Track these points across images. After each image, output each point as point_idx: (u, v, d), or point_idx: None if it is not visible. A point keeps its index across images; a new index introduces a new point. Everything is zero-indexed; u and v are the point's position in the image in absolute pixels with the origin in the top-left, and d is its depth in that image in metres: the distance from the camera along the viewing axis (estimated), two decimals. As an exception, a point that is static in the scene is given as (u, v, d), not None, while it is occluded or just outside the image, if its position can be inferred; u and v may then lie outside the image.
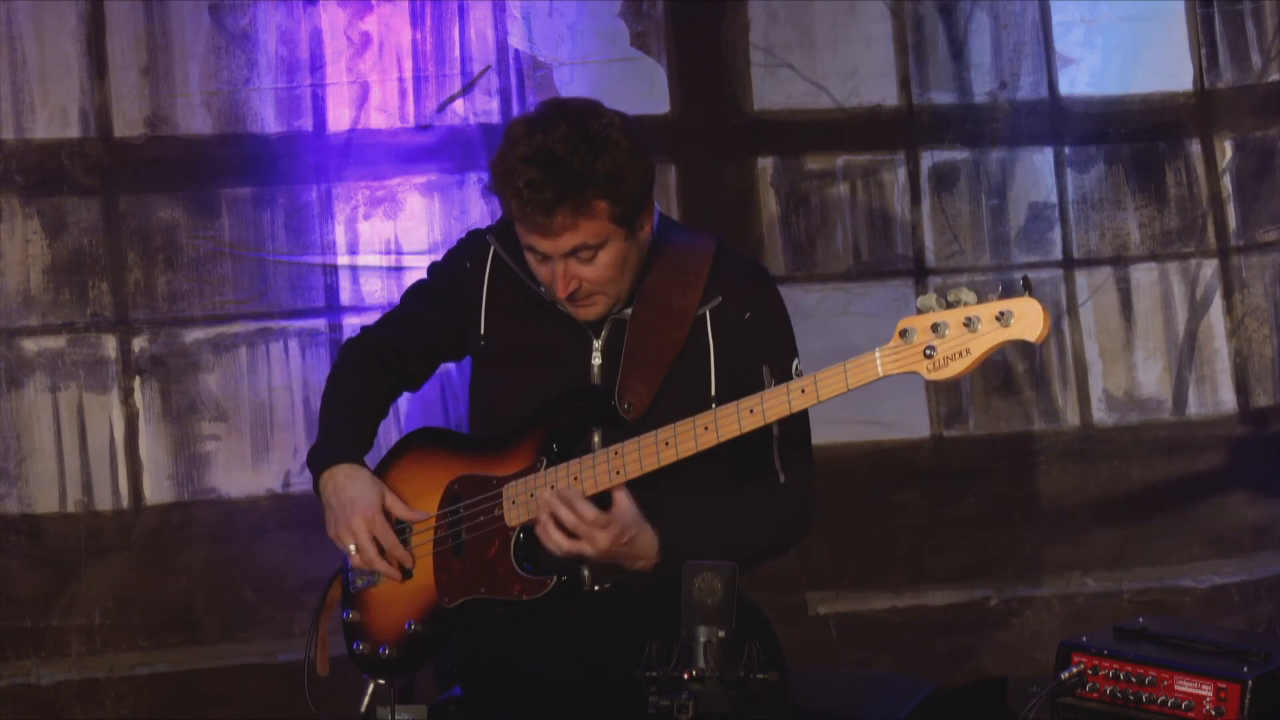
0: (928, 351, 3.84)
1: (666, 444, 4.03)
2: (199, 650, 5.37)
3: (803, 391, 3.94)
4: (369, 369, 4.42)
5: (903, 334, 3.86)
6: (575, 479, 4.10)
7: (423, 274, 4.46)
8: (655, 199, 4.21)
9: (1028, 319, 3.77)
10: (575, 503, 4.06)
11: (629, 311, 4.20)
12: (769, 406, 3.97)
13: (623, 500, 4.08)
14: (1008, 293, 3.80)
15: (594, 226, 4.08)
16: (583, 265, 4.11)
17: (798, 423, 4.21)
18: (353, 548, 4.28)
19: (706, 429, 4.01)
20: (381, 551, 4.28)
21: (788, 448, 4.21)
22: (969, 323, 3.80)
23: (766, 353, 4.18)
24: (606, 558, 4.09)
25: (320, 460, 4.34)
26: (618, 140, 4.07)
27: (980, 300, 3.81)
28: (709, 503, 4.19)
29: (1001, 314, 3.78)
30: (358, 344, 4.48)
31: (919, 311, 3.85)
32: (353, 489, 4.29)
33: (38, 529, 5.32)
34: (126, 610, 5.35)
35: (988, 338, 3.80)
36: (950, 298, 3.82)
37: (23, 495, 5.31)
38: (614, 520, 4.06)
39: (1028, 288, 3.78)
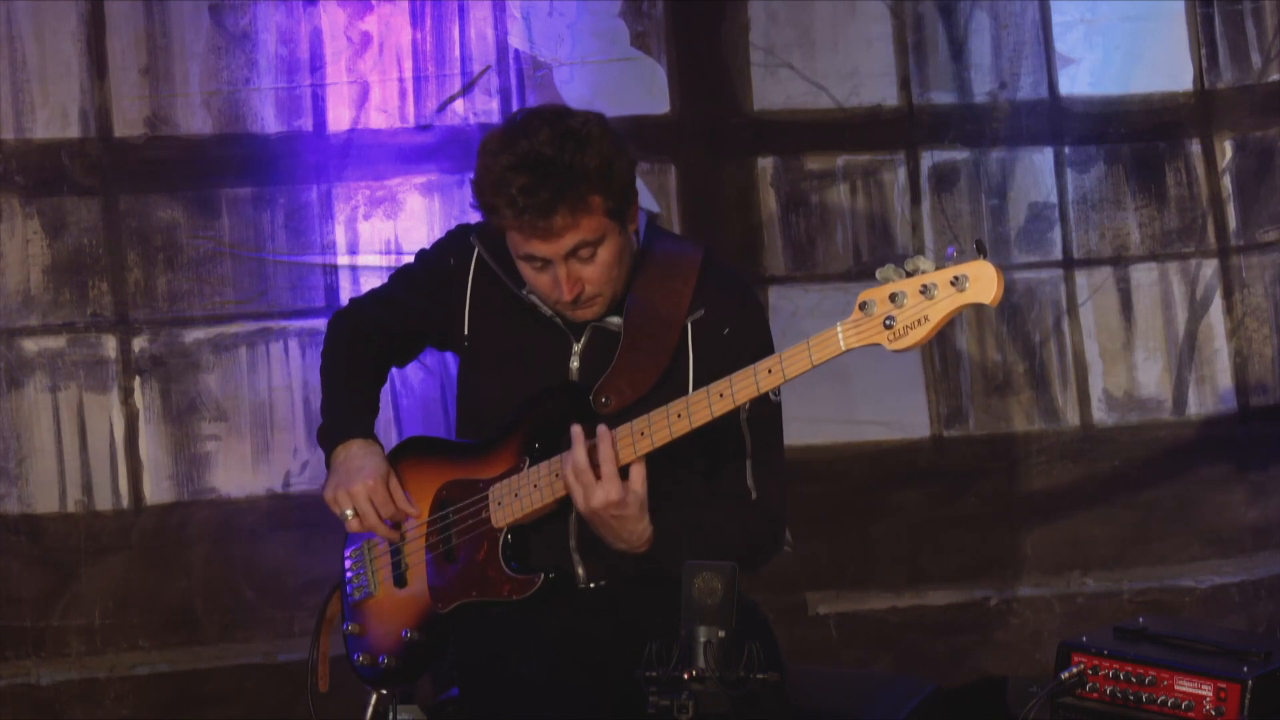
0: (887, 322, 3.82)
1: (642, 434, 4.03)
2: (199, 650, 5.37)
3: (769, 371, 3.94)
4: (362, 346, 4.46)
5: (862, 306, 3.84)
6: (557, 475, 4.11)
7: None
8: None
9: (982, 282, 3.75)
10: (604, 462, 4.03)
11: (612, 320, 4.21)
12: (738, 389, 3.97)
13: (637, 479, 4.06)
14: (964, 258, 3.79)
15: (592, 223, 4.08)
16: (583, 265, 4.12)
17: (771, 438, 4.24)
18: (349, 512, 4.28)
19: (679, 416, 4.01)
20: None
21: (761, 464, 4.22)
22: (925, 290, 3.78)
23: (742, 369, 4.17)
24: (592, 516, 4.07)
25: (333, 436, 4.37)
26: (598, 136, 4.08)
27: (937, 268, 3.80)
28: (692, 511, 4.19)
29: (956, 279, 3.76)
30: (348, 319, 4.50)
31: (879, 283, 3.84)
32: (362, 459, 4.31)
33: (38, 529, 5.32)
34: (126, 610, 5.35)
35: (944, 303, 3.78)
36: (908, 267, 3.81)
37: (23, 495, 5.31)
38: (621, 489, 4.04)
39: (982, 251, 3.77)
